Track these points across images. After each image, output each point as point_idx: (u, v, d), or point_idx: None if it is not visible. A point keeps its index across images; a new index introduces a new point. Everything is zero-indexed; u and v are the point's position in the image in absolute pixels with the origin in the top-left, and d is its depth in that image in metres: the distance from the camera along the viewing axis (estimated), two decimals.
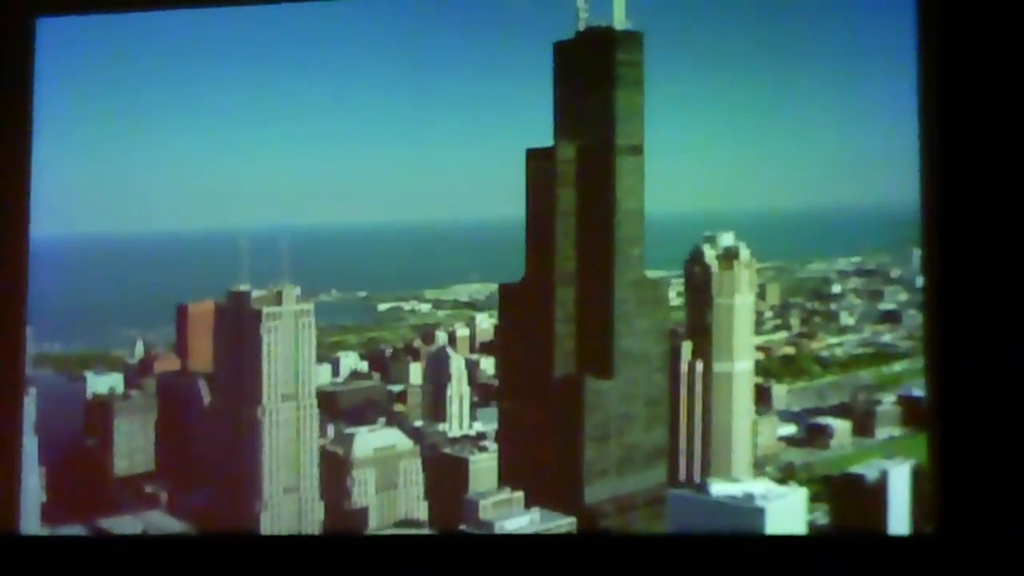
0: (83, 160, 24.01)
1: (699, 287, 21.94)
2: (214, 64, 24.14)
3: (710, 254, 22.13)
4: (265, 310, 20.55)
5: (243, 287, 21.26)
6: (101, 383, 24.95)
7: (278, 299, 20.70)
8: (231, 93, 24.90)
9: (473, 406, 25.27)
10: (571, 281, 20.26)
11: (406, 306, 30.51)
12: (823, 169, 23.59)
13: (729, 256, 23.05)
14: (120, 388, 25.03)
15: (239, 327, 20.98)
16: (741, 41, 21.64)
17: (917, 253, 11.23)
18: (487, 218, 23.81)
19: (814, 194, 23.78)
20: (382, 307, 30.43)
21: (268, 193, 25.75)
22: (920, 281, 8.79)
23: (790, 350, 26.37)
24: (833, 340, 27.22)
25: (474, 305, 29.35)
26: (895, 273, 26.60)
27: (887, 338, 26.77)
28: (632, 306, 20.25)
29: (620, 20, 20.77)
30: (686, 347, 22.87)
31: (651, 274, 22.95)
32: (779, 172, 23.67)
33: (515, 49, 23.77)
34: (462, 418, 25.13)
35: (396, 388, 26.90)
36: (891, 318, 26.62)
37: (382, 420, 25.33)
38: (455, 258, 28.16)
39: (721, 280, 22.55)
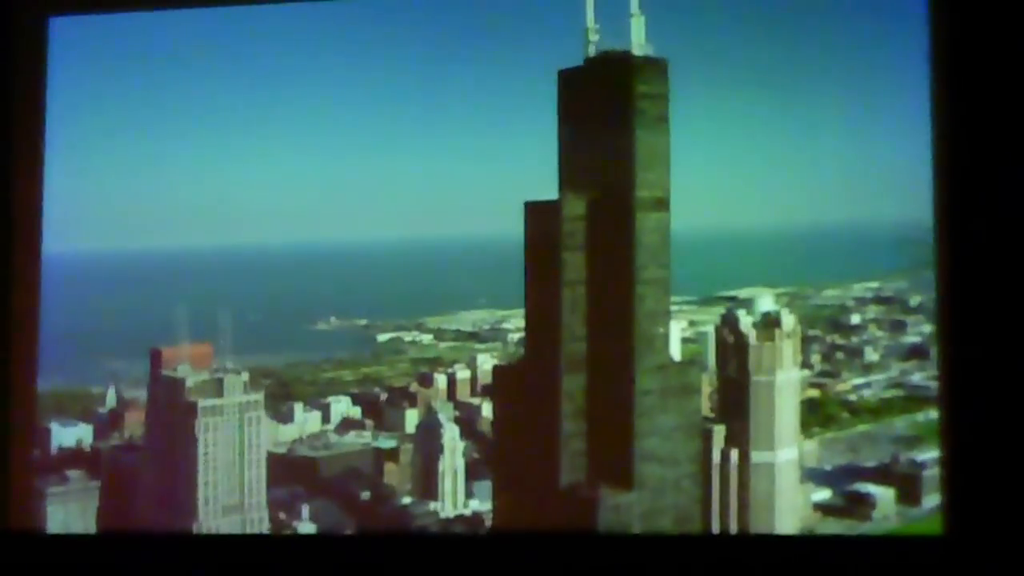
0: (94, 167, 20.87)
1: (733, 361, 14.15)
2: (223, 66, 20.96)
3: (746, 322, 14.53)
4: (201, 403, 12.44)
5: (179, 372, 13.10)
6: (67, 435, 18.06)
7: (218, 389, 12.50)
8: (239, 98, 21.49)
9: (469, 471, 17.94)
10: (580, 366, 12.37)
11: (407, 336, 25.33)
12: (834, 189, 19.42)
13: (769, 324, 16.21)
14: (89, 440, 18.00)
15: (171, 422, 12.90)
16: (751, 61, 17.06)
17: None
18: (498, 236, 16.96)
19: (825, 214, 19.50)
20: (382, 338, 23.92)
21: (274, 209, 22.31)
22: None
23: (814, 393, 19.43)
24: (859, 380, 20.47)
25: (477, 335, 22.73)
26: (914, 301, 21.22)
27: (916, 378, 20.42)
28: (656, 398, 12.33)
29: (640, 44, 12.62)
30: (718, 432, 15.19)
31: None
32: (788, 192, 19.57)
33: (515, 70, 19.32)
34: (456, 496, 17.92)
35: (388, 444, 19.75)
36: (918, 353, 20.55)
37: (366, 495, 18.42)
38: (463, 282, 22.17)
39: (760, 353, 16.12)
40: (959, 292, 4.24)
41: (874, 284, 21.57)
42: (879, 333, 21.08)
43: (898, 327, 20.78)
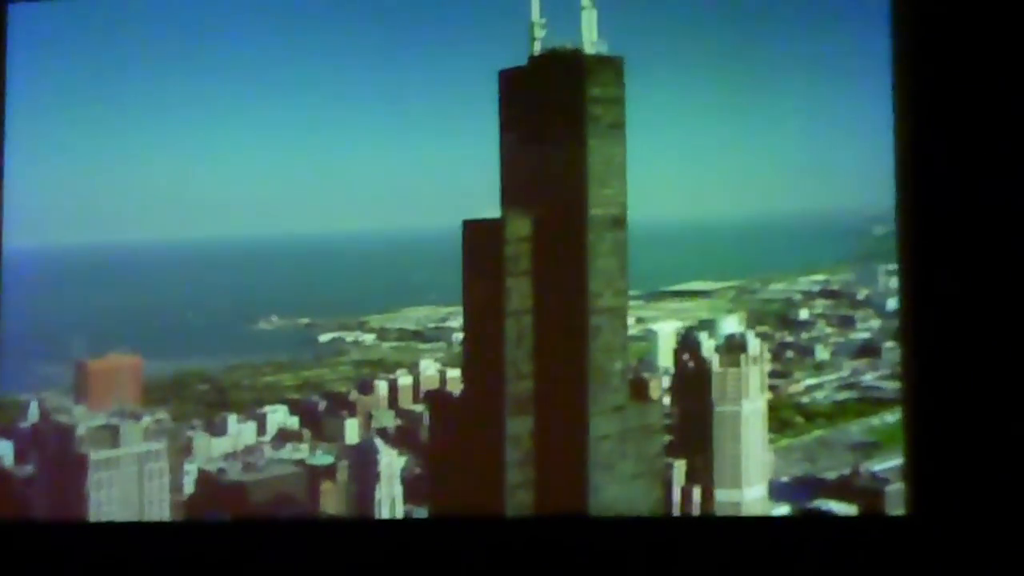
0: (55, 161, 14.70)
1: (693, 388, 10.77)
2: (181, 57, 14.81)
3: (708, 345, 12.60)
4: (93, 456, 9.11)
5: (74, 414, 9.93)
6: None
7: (114, 438, 9.31)
8: (187, 89, 15.16)
9: (410, 494, 13.65)
10: (527, 408, 8.88)
11: (349, 337, 20.44)
12: (777, 179, 14.61)
13: (733, 348, 13.22)
14: (10, 459, 13.71)
15: (60, 476, 9.58)
16: (703, 51, 12.57)
17: (882, 269, 8.71)
18: (445, 227, 13.34)
19: (768, 204, 14.91)
20: (323, 338, 19.97)
21: (216, 202, 16.20)
22: (891, 304, 7.30)
23: (767, 395, 15.93)
24: (812, 381, 17.69)
25: (421, 335, 19.17)
26: (861, 294, 16.41)
27: (869, 378, 16.69)
28: (614, 443, 9.07)
29: (591, 41, 9.00)
30: (678, 468, 12.64)
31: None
32: (731, 183, 14.61)
33: (455, 64, 13.69)
34: None
35: (325, 460, 15.81)
36: (869, 352, 15.84)
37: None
38: (409, 276, 17.22)
39: (724, 380, 13.04)
40: (921, 284, 4.01)
41: (820, 277, 19.11)
42: (828, 329, 18.80)
43: (847, 322, 17.94)
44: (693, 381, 13.13)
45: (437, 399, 12.82)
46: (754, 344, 13.59)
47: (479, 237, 11.38)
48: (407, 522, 11.35)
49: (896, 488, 15.37)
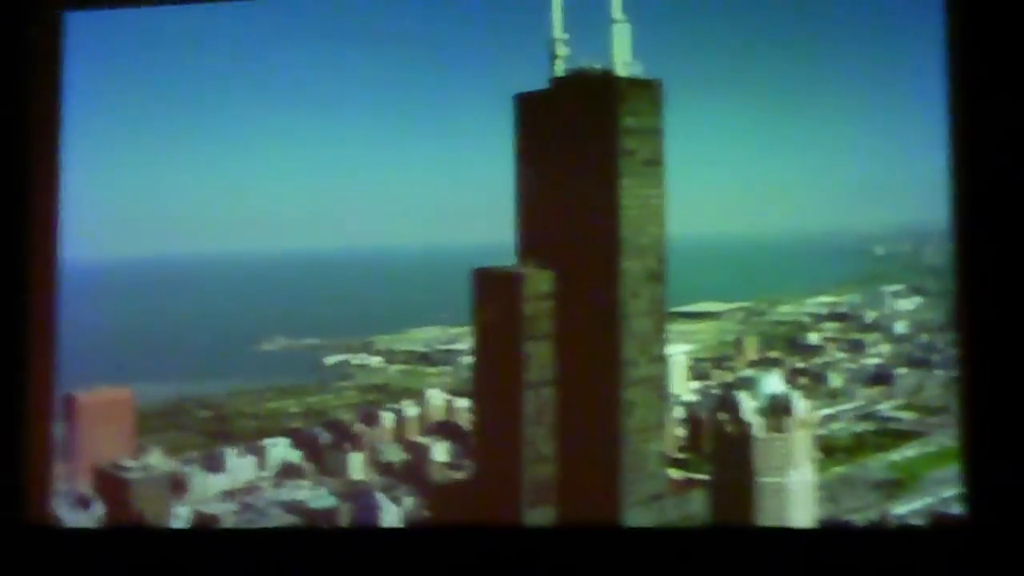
0: (107, 171, 15.83)
1: (733, 456, 7.11)
2: (208, 75, 15.76)
3: (749, 406, 10.03)
4: None
5: None
6: None
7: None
8: (201, 103, 16.16)
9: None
10: (548, 496, 5.20)
11: (354, 360, 17.50)
12: (781, 199, 14.99)
13: (777, 411, 10.21)
14: None
15: None
16: (733, 73, 11.71)
17: (887, 291, 8.23)
18: (457, 245, 11.63)
19: (770, 224, 14.83)
20: (329, 360, 17.29)
21: (223, 219, 17.31)
22: (898, 327, 7.65)
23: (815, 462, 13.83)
24: (828, 411, 14.49)
25: (428, 357, 16.43)
26: (870, 317, 15.82)
27: (885, 407, 15.07)
28: None
29: (624, 61, 5.22)
30: None
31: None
32: (736, 202, 14.66)
33: (472, 82, 12.96)
34: None
35: (326, 503, 13.48)
36: (882, 379, 14.96)
37: None
38: (418, 295, 15.63)
39: (768, 448, 9.91)
40: (975, 300, 3.20)
41: (827, 299, 16.45)
42: (839, 354, 15.79)
43: (857, 347, 15.58)
44: (733, 448, 10.11)
45: (444, 490, 9.79)
46: (801, 405, 10.58)
47: (493, 291, 8.33)
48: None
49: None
